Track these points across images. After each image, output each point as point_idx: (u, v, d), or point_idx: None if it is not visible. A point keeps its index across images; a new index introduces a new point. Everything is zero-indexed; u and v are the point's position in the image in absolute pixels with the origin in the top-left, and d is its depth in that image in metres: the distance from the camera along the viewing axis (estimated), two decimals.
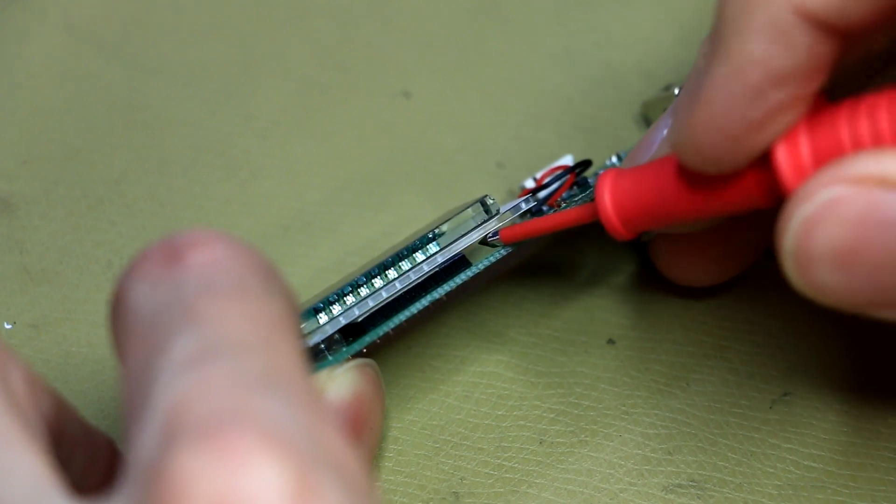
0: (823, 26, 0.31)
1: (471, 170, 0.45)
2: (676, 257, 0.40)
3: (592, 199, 0.37)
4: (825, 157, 0.32)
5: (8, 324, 0.42)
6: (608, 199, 0.37)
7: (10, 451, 0.28)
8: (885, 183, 0.31)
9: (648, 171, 0.36)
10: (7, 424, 0.29)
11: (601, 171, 0.41)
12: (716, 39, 0.32)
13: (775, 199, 0.34)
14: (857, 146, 0.32)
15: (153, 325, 0.29)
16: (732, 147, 0.33)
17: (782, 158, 0.33)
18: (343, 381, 0.38)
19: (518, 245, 0.40)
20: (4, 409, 0.29)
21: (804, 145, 0.33)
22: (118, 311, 0.30)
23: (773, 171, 0.33)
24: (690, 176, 0.35)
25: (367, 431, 0.38)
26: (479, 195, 0.40)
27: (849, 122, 0.32)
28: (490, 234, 0.39)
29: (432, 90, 0.47)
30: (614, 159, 0.43)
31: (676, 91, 0.43)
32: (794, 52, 0.32)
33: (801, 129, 0.33)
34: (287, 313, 0.30)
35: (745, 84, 0.32)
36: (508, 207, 0.40)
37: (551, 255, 0.43)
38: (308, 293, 0.40)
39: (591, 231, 0.42)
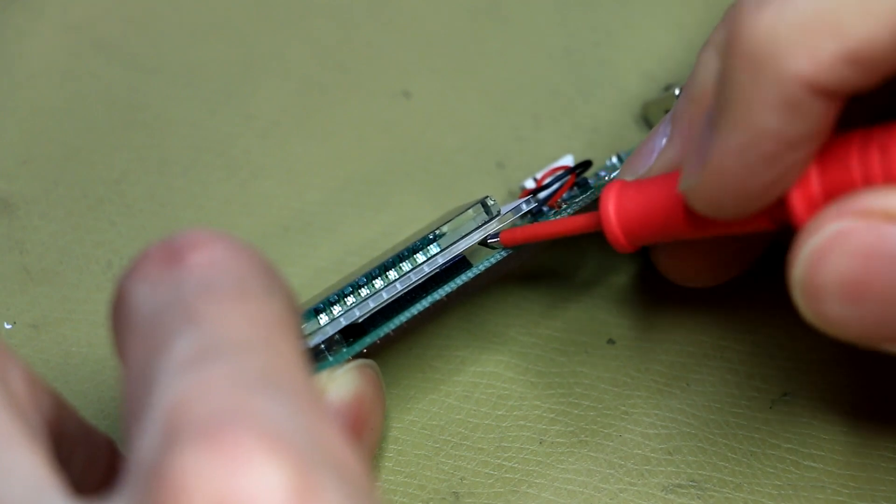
0: (835, 95, 0.31)
1: (471, 170, 0.45)
2: (677, 259, 0.40)
3: (595, 208, 0.37)
4: (836, 192, 0.33)
5: (8, 324, 0.42)
6: (612, 212, 0.37)
7: (10, 451, 0.28)
8: (891, 217, 0.31)
9: (654, 186, 0.36)
10: (7, 424, 0.29)
11: (606, 182, 0.41)
12: (724, 105, 0.32)
13: (781, 224, 0.34)
14: (868, 183, 0.32)
15: (153, 325, 0.29)
16: (746, 203, 0.33)
17: (797, 202, 0.33)
18: (343, 381, 0.38)
19: (518, 248, 0.40)
20: (4, 408, 0.29)
21: (816, 184, 0.33)
22: (119, 312, 0.30)
23: (787, 212, 0.33)
24: None
25: (367, 432, 0.38)
26: (479, 195, 0.40)
27: (860, 159, 0.32)
28: (490, 237, 0.39)
29: (432, 90, 0.47)
30: (614, 159, 0.43)
31: (677, 91, 0.43)
32: (807, 121, 0.32)
33: (813, 168, 0.33)
34: (287, 313, 0.30)
35: (759, 154, 0.32)
36: (509, 208, 0.40)
37: (551, 256, 0.43)
38: (308, 293, 0.40)
39: (592, 234, 0.42)
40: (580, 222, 0.38)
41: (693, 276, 0.41)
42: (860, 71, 0.31)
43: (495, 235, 0.39)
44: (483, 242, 0.39)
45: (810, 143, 0.32)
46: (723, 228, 0.35)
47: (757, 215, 0.34)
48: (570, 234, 0.38)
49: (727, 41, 0.32)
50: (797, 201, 0.33)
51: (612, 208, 0.37)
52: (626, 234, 0.37)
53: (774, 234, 0.38)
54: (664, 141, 0.38)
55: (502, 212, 0.39)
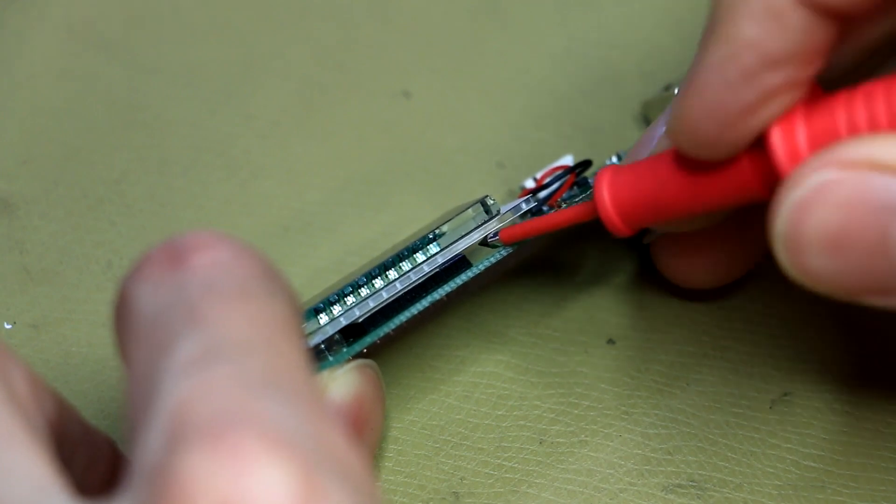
0: (819, 8, 0.31)
1: (471, 170, 0.45)
2: (678, 259, 0.40)
3: (591, 198, 0.37)
4: (821, 142, 0.32)
5: (8, 324, 0.42)
6: (606, 196, 0.36)
7: (13, 451, 0.28)
8: (876, 166, 0.31)
9: (646, 165, 0.36)
10: (10, 424, 0.29)
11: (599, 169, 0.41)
12: (710, 23, 0.32)
13: (772, 190, 0.34)
14: (853, 132, 0.32)
15: (156, 327, 0.29)
16: (727, 130, 0.33)
17: (777, 141, 0.33)
18: (344, 381, 0.38)
19: (518, 245, 0.40)
20: (7, 409, 0.29)
21: (800, 130, 0.33)
22: (121, 314, 0.30)
23: (768, 155, 0.33)
24: (688, 167, 0.35)
25: (367, 432, 0.38)
26: (479, 195, 0.40)
27: (845, 107, 0.32)
28: (490, 235, 0.39)
29: (432, 90, 0.47)
30: (615, 159, 0.43)
31: (676, 91, 0.43)
32: (789, 34, 0.31)
33: (797, 113, 0.33)
34: (289, 315, 0.30)
35: (739, 67, 0.32)
36: (509, 208, 0.40)
37: (551, 256, 0.43)
38: (308, 293, 0.40)
39: (592, 231, 0.42)
40: (576, 211, 0.38)
41: (694, 277, 0.41)
42: None
43: (495, 234, 0.39)
44: (483, 242, 0.39)
45: (793, 64, 0.32)
46: (715, 193, 0.35)
47: (743, 168, 0.34)
48: (568, 225, 0.38)
49: None
50: (778, 141, 0.33)
51: (605, 191, 0.37)
52: (621, 215, 0.36)
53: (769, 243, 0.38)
54: (664, 129, 0.38)
55: (502, 211, 0.39)
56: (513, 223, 0.40)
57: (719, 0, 0.32)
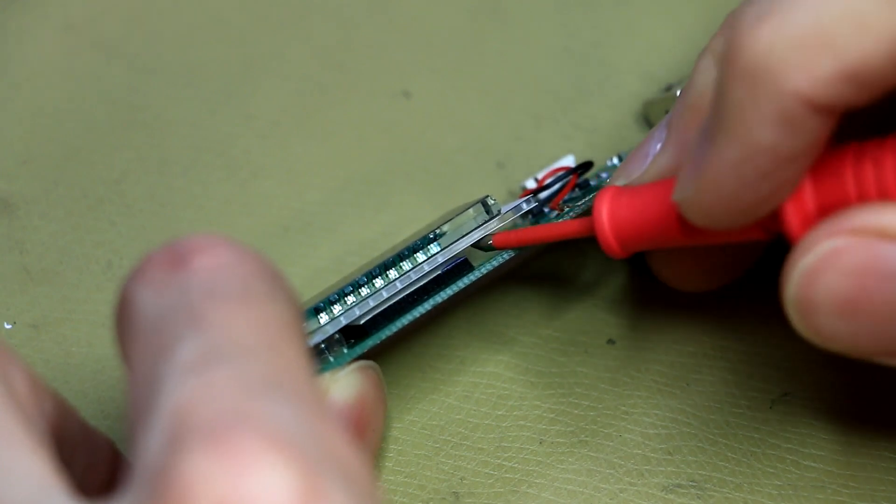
0: (831, 111, 0.31)
1: (471, 170, 0.45)
2: (672, 264, 0.40)
3: (589, 213, 0.37)
4: (830, 208, 0.33)
5: (8, 324, 0.42)
6: (606, 219, 0.37)
7: (13, 452, 0.28)
8: (884, 234, 0.32)
9: (647, 195, 0.36)
10: (10, 425, 0.29)
11: (602, 185, 0.41)
12: (720, 118, 0.32)
13: (774, 234, 0.34)
14: (862, 198, 0.32)
15: (158, 329, 0.29)
16: (740, 216, 0.33)
17: (791, 217, 0.33)
18: (346, 383, 0.38)
19: (513, 250, 0.40)
20: (7, 409, 0.29)
21: (810, 198, 0.33)
22: (123, 316, 0.30)
23: (781, 226, 0.33)
24: None
25: (369, 433, 0.38)
26: (479, 195, 0.40)
27: (854, 173, 0.32)
28: (484, 239, 0.39)
29: (432, 90, 0.47)
30: (615, 160, 0.43)
31: (678, 92, 0.43)
32: (804, 136, 0.32)
33: (807, 182, 0.33)
34: (291, 317, 0.30)
35: (754, 169, 0.32)
36: (510, 208, 0.40)
37: (552, 256, 0.43)
38: (308, 293, 0.40)
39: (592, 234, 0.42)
40: (574, 227, 0.38)
41: (689, 281, 0.41)
42: (856, 88, 0.31)
43: (489, 238, 0.39)
44: (476, 245, 0.39)
45: (805, 158, 0.32)
46: (715, 238, 0.35)
47: (750, 226, 0.34)
48: (564, 239, 0.38)
49: (725, 55, 0.32)
50: (791, 216, 0.33)
51: (605, 214, 0.37)
52: (619, 240, 0.37)
53: (768, 242, 0.38)
54: (659, 146, 0.38)
55: (503, 211, 0.39)
56: (514, 224, 0.40)
57: (727, 97, 0.32)
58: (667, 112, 0.42)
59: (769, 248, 0.40)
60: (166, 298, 0.29)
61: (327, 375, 0.38)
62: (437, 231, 0.39)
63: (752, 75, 0.31)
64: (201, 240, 0.30)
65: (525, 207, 0.40)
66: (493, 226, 0.39)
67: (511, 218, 0.40)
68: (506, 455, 0.40)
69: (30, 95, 0.46)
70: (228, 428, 0.27)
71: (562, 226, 0.38)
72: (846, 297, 0.32)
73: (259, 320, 0.29)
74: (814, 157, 0.32)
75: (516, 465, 0.40)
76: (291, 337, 0.29)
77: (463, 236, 0.39)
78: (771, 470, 0.39)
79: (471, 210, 0.39)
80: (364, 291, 0.39)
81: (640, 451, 0.40)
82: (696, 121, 0.37)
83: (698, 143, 0.34)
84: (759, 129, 0.31)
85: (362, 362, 0.38)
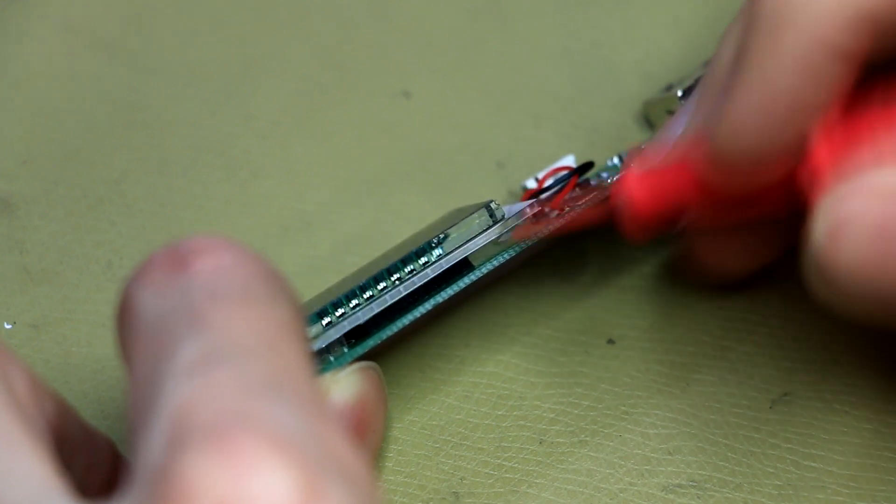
0: (852, 59, 0.32)
1: (471, 170, 0.45)
2: (713, 244, 0.40)
3: (599, 208, 0.37)
4: (858, 147, 0.33)
5: (8, 324, 0.42)
6: (630, 201, 0.37)
7: (13, 452, 0.28)
8: None
9: (669, 173, 0.37)
10: (10, 425, 0.29)
11: (602, 184, 0.41)
12: (743, 65, 0.33)
13: (795, 203, 0.34)
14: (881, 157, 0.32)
15: (159, 330, 0.29)
16: (763, 168, 0.33)
17: (819, 150, 0.33)
18: (346, 384, 0.38)
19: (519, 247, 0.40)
20: (8, 410, 0.29)
21: (837, 139, 0.33)
22: (124, 317, 0.30)
23: (808, 162, 0.33)
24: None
25: (370, 434, 0.38)
26: (479, 195, 0.40)
27: (883, 124, 0.33)
28: (501, 236, 0.39)
29: (432, 90, 0.47)
30: (615, 160, 0.43)
31: (680, 93, 0.43)
32: (824, 83, 0.32)
33: (834, 126, 0.33)
34: (292, 319, 0.30)
35: (776, 115, 0.32)
36: (513, 213, 0.40)
37: (552, 256, 0.43)
38: (308, 293, 0.40)
39: (591, 232, 0.42)
40: (595, 214, 0.38)
41: (728, 264, 0.40)
42: (876, 34, 0.31)
43: (507, 234, 0.39)
44: (494, 241, 0.40)
45: (825, 105, 0.32)
46: (737, 210, 0.35)
47: (773, 188, 0.34)
48: (585, 228, 0.39)
49: (749, 4, 0.32)
50: (819, 149, 0.33)
51: (631, 198, 0.37)
52: (643, 222, 0.37)
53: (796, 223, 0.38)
54: (679, 132, 0.38)
55: (507, 216, 0.39)
56: (515, 226, 0.40)
57: (751, 45, 0.32)
58: (668, 112, 0.42)
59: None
60: (167, 300, 0.29)
61: (328, 376, 0.38)
62: (441, 236, 0.39)
63: (774, 21, 0.32)
64: (202, 241, 0.30)
65: (529, 212, 0.40)
66: (496, 231, 0.39)
67: (515, 223, 0.40)
68: (506, 455, 0.40)
69: (30, 95, 0.46)
70: (229, 428, 0.27)
71: (582, 214, 0.38)
72: (867, 259, 0.32)
73: (260, 321, 0.29)
74: (834, 103, 0.32)
75: (516, 465, 0.40)
76: (292, 338, 0.29)
77: (466, 242, 0.39)
78: (771, 470, 0.40)
79: (475, 215, 0.39)
80: (367, 296, 0.39)
81: (640, 451, 0.40)
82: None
83: (723, 93, 0.34)
84: (780, 74, 0.32)
85: (363, 363, 0.38)
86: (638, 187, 0.37)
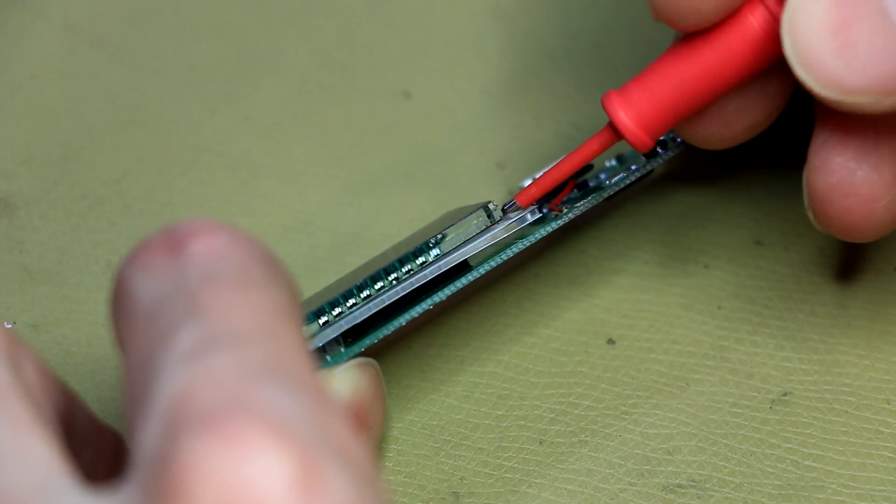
0: None
1: (471, 170, 0.45)
2: (699, 125, 0.40)
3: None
4: None
5: (8, 324, 0.42)
6: (625, 116, 0.37)
7: (22, 436, 0.28)
8: None
9: (651, 71, 0.37)
10: (20, 411, 0.29)
11: (602, 185, 0.41)
12: None
13: (777, 44, 0.35)
14: None
15: (155, 315, 0.29)
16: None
17: None
18: (343, 379, 0.38)
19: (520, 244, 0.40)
20: (17, 396, 0.29)
21: None
22: (119, 302, 0.30)
23: None
24: (693, 52, 0.37)
25: (367, 430, 0.38)
26: (479, 195, 0.40)
27: None
28: (507, 205, 0.39)
29: (432, 90, 0.47)
30: (614, 161, 0.43)
31: None
32: None
33: None
34: (289, 302, 0.30)
35: None
36: (512, 221, 0.40)
37: (551, 255, 0.43)
38: (307, 293, 0.40)
39: (592, 228, 0.42)
40: (595, 143, 0.38)
41: (716, 131, 0.40)
42: None
43: (511, 202, 0.39)
44: (504, 211, 0.40)
45: None
46: (727, 76, 0.36)
47: (746, 23, 0.36)
48: (589, 161, 0.39)
49: None
50: None
51: (622, 113, 0.37)
52: (645, 128, 0.37)
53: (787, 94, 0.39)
54: None
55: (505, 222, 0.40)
56: (518, 225, 0.40)
57: None
58: None
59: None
60: (163, 284, 0.29)
61: (325, 372, 0.38)
62: (439, 236, 0.39)
63: None
64: (197, 224, 0.30)
65: (529, 218, 0.40)
66: (494, 231, 0.39)
67: (515, 229, 0.40)
68: (506, 455, 0.40)
69: (30, 95, 0.46)
70: (227, 414, 0.26)
71: (582, 150, 0.39)
72: (836, 21, 0.34)
73: (257, 306, 0.29)
74: None
75: (516, 465, 0.40)
76: (289, 321, 0.29)
77: (464, 242, 0.39)
78: (771, 470, 0.39)
79: (473, 216, 0.39)
80: (364, 295, 0.39)
81: (640, 451, 0.40)
82: None
83: None
84: None
85: (361, 359, 0.38)
86: (623, 98, 0.37)
